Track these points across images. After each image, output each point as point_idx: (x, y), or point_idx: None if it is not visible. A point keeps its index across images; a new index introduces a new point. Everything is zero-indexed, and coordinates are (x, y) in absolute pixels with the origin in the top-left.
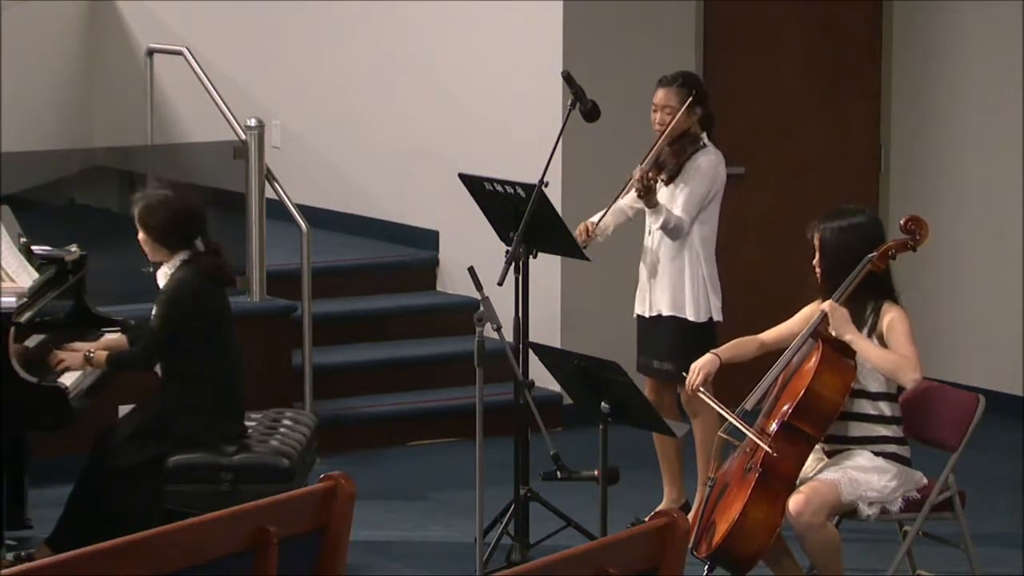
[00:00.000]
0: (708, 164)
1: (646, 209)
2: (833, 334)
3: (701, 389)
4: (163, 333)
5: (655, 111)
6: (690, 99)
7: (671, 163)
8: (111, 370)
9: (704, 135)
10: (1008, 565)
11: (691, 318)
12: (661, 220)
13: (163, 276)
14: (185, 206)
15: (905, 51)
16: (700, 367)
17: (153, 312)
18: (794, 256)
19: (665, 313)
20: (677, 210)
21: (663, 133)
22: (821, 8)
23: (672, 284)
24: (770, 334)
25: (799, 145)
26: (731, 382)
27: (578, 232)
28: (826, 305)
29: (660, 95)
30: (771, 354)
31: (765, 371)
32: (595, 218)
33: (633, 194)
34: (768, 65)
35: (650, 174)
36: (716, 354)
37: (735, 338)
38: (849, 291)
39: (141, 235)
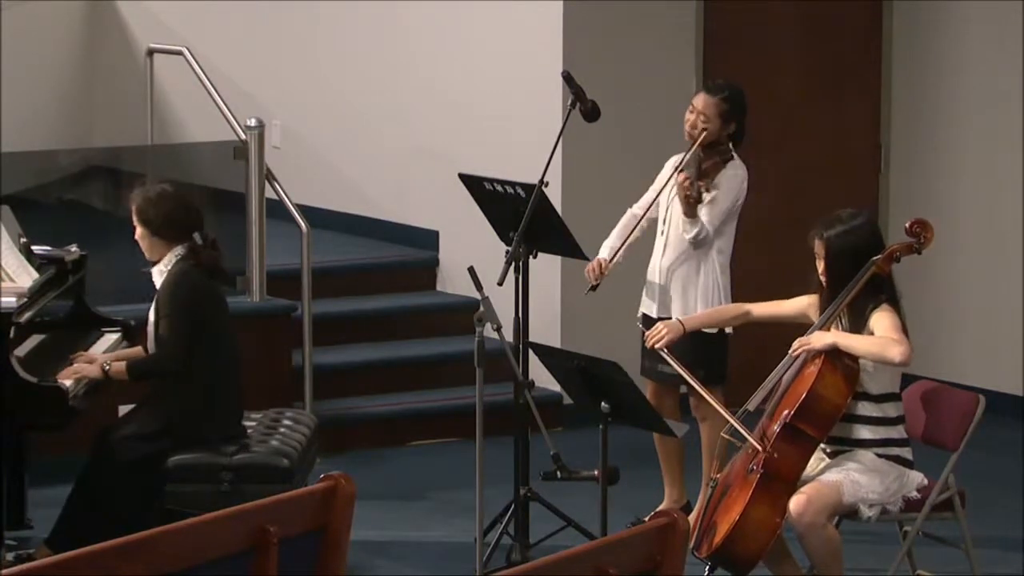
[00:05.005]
0: (736, 178)
1: (683, 218)
2: (822, 347)
3: (664, 350)
4: (180, 331)
5: (691, 112)
6: (728, 115)
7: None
8: (134, 380)
9: (732, 148)
10: (1008, 565)
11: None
12: (695, 231)
13: (158, 274)
14: (183, 199)
15: (905, 51)
16: (666, 327)
17: (157, 314)
18: (795, 256)
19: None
20: (703, 219)
21: (695, 141)
22: (821, 8)
23: (685, 292)
24: (758, 307)
25: (799, 145)
26: (733, 381)
27: (588, 270)
28: (798, 349)
29: (699, 100)
30: (773, 353)
31: (768, 371)
32: (604, 253)
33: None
34: (768, 65)
35: (699, 184)
36: (681, 322)
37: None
38: (854, 294)
39: (139, 231)
